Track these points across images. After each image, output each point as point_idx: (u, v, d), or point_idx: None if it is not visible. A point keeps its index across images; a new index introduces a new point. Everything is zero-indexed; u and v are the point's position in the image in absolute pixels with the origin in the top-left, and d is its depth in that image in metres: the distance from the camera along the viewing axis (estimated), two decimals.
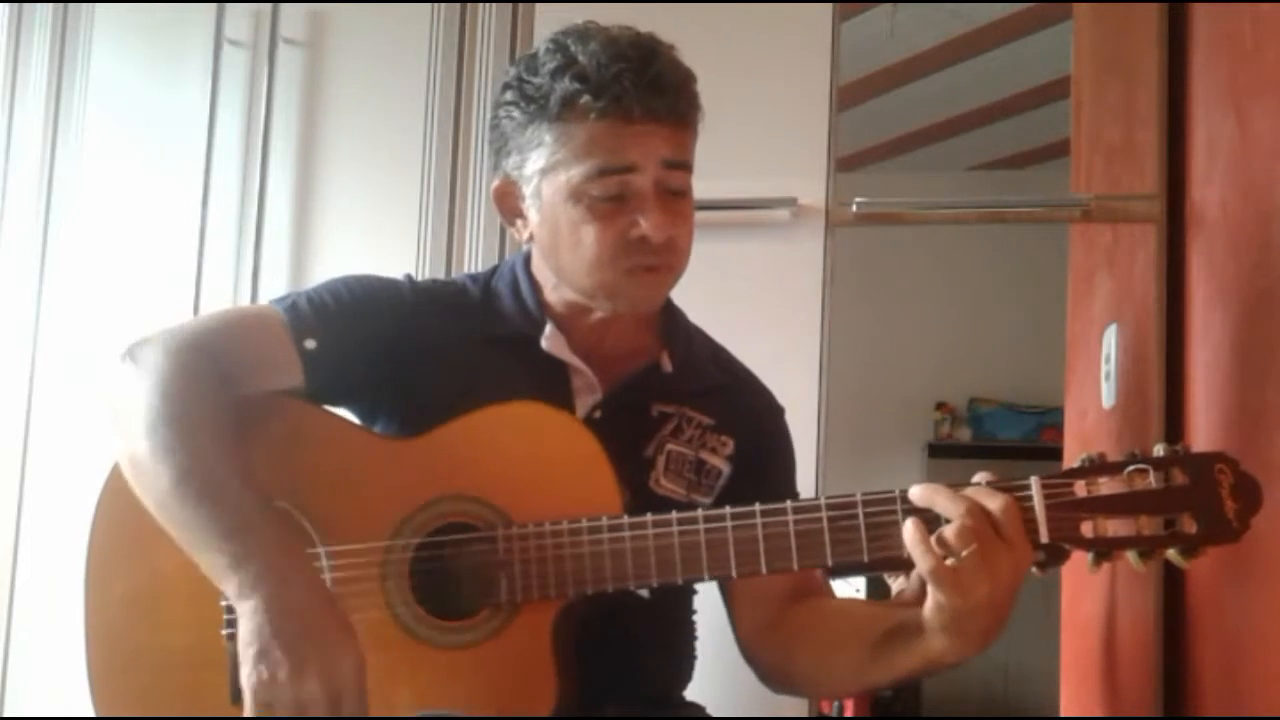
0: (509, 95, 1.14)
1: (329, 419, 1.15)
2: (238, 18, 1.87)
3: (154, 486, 1.03)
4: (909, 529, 0.97)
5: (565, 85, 1.08)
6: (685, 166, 1.14)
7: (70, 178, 1.92)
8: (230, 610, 1.06)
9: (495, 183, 1.19)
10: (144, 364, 1.07)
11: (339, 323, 1.15)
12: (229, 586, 0.98)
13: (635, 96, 1.07)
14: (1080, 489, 0.98)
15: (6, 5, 1.95)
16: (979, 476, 1.01)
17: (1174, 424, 1.53)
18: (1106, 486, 0.98)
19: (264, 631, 0.95)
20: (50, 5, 1.95)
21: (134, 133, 1.92)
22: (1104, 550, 0.98)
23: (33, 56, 1.95)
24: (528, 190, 1.15)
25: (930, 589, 0.97)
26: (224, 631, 1.07)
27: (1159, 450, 0.98)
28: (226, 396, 1.07)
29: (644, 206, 1.10)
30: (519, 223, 1.19)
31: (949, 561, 0.95)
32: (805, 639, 1.17)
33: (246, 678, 0.96)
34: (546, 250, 1.17)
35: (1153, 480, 0.97)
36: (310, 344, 1.13)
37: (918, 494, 1.00)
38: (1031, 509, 0.97)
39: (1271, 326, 1.23)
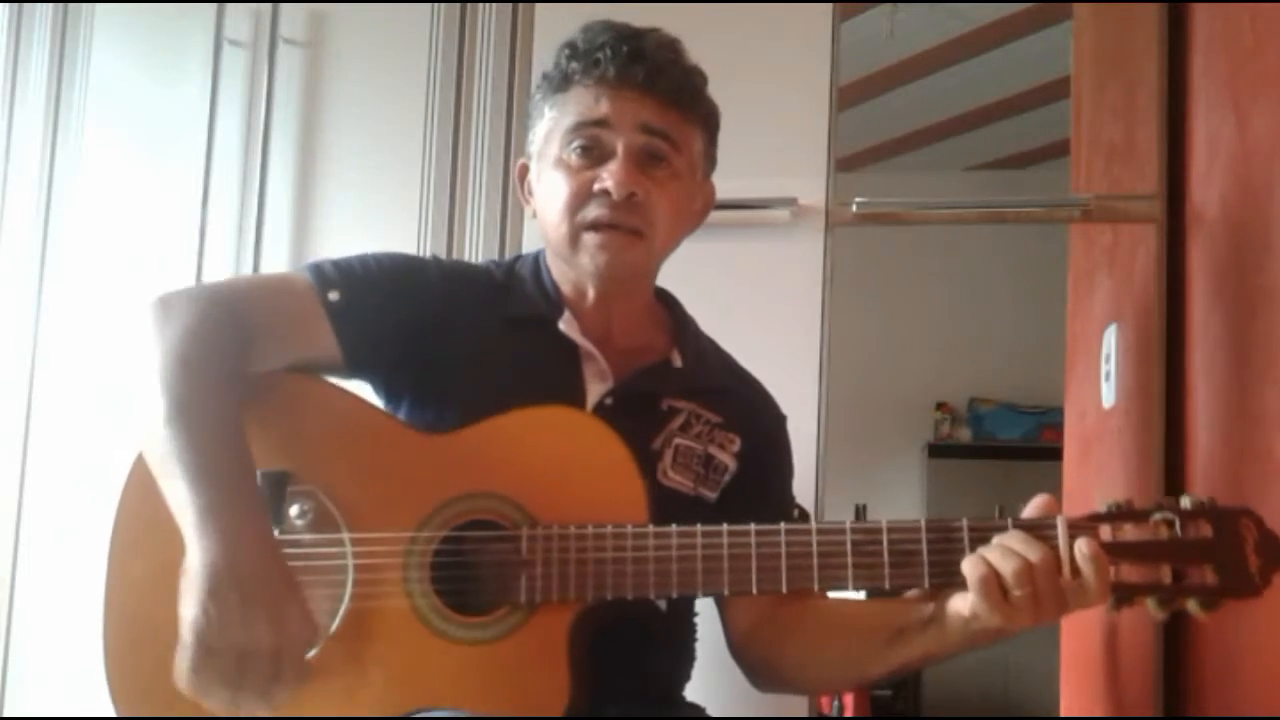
0: (536, 80, 1.22)
1: (363, 407, 1.14)
2: (238, 18, 1.87)
3: (152, 413, 1.01)
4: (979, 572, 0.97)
5: (563, 62, 1.17)
6: (666, 136, 1.16)
7: (70, 178, 1.92)
8: None
9: (519, 162, 1.26)
10: (172, 310, 1.07)
11: (364, 283, 1.16)
12: (187, 517, 0.96)
13: (612, 61, 1.14)
14: (1105, 534, 0.98)
15: (6, 5, 1.95)
16: (1037, 501, 1.02)
17: (1174, 424, 1.53)
18: (1131, 533, 0.98)
19: (218, 570, 0.93)
20: (50, 5, 1.95)
21: (134, 133, 1.91)
22: (1124, 595, 0.98)
23: (33, 56, 1.95)
24: (534, 164, 1.22)
25: (975, 603, 0.98)
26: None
27: (1185, 502, 0.99)
28: (244, 352, 1.08)
29: (611, 161, 1.14)
30: (531, 199, 1.24)
31: (1016, 594, 0.96)
32: (796, 632, 1.16)
33: (189, 615, 0.93)
34: (539, 216, 1.21)
35: (1178, 530, 0.97)
36: (334, 295, 1.13)
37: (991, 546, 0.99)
38: (1056, 549, 0.97)
39: (1271, 326, 1.23)
